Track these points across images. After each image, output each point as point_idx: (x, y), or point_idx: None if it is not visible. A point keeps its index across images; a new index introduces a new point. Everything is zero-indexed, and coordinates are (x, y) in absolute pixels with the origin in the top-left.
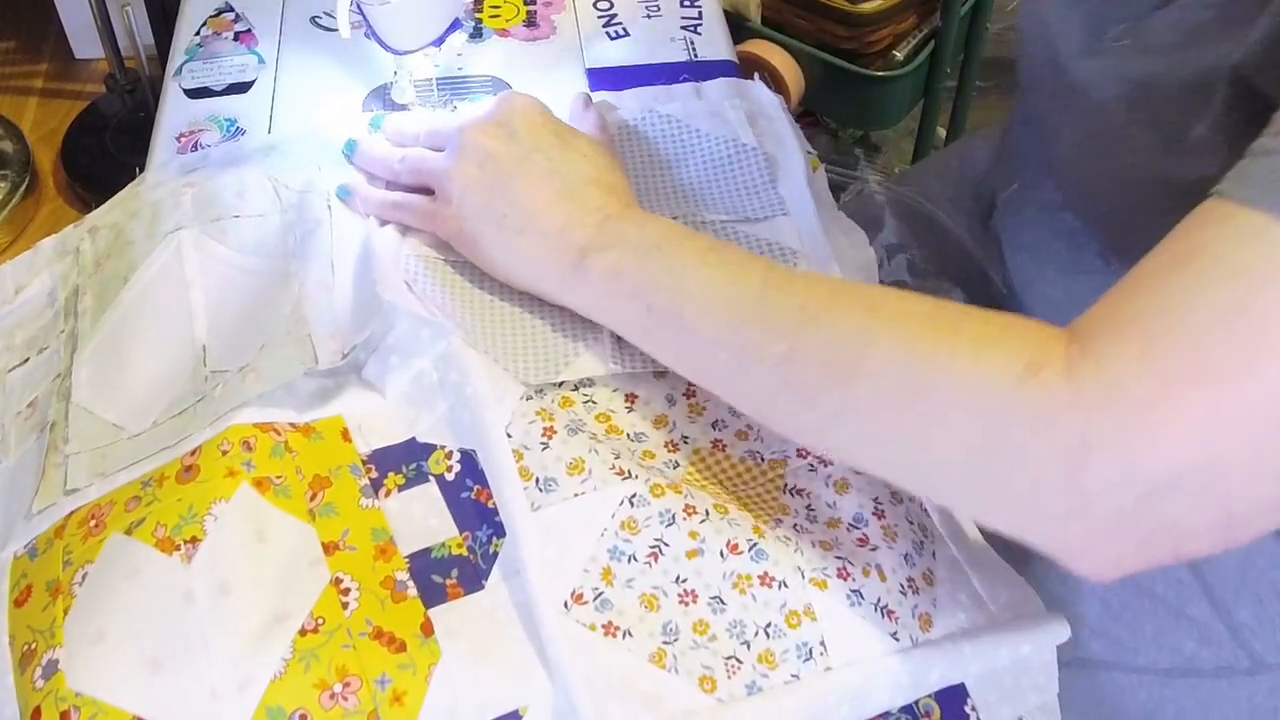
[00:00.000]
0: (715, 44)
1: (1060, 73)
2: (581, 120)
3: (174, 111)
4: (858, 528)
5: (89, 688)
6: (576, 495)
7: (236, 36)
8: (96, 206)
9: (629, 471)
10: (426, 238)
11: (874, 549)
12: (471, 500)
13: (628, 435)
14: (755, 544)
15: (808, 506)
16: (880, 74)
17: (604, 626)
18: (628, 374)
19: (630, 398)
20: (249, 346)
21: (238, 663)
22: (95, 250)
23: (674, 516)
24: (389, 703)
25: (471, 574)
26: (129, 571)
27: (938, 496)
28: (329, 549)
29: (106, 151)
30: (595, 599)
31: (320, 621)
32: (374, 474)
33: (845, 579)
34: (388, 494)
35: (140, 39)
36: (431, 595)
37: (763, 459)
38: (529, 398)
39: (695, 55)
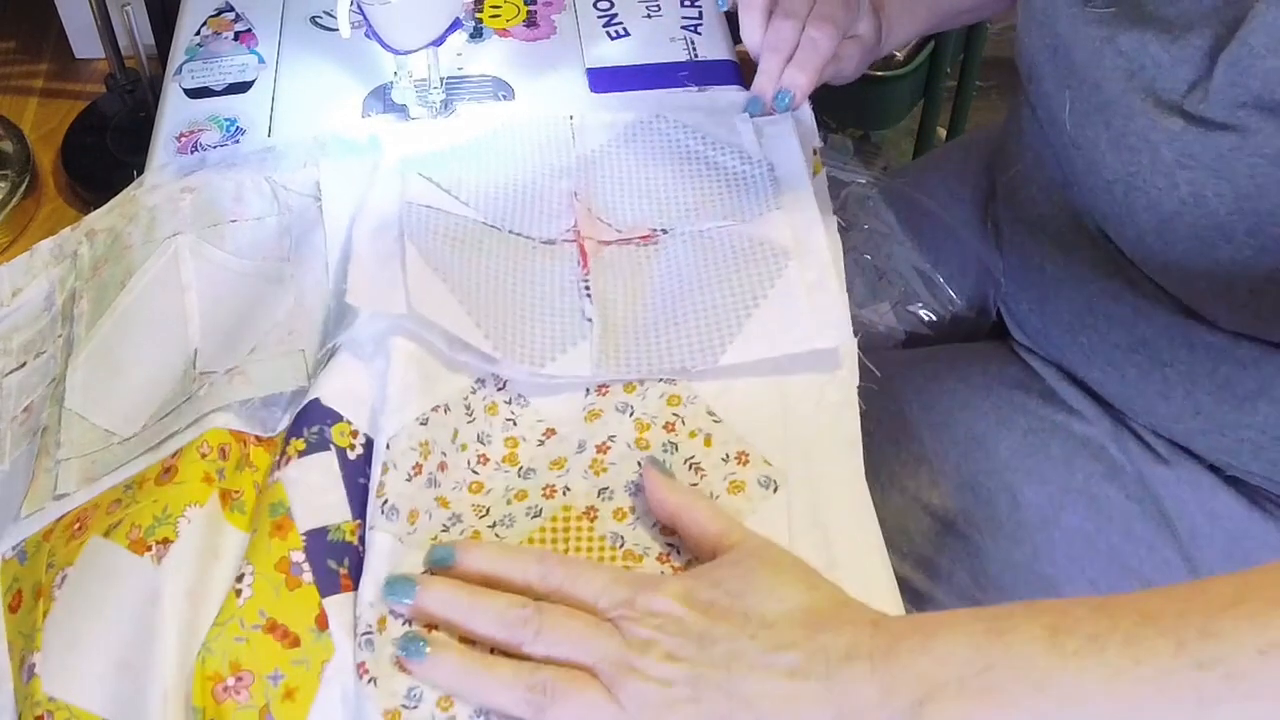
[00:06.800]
0: (715, 44)
1: (1059, 56)
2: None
3: (174, 111)
4: None
5: (61, 691)
6: (399, 539)
7: (236, 36)
8: (96, 206)
9: None
10: (430, 190)
11: None
12: (367, 488)
13: (519, 470)
14: None
15: None
16: (880, 74)
17: (359, 666)
18: (563, 409)
19: (550, 432)
20: (239, 347)
21: (184, 667)
22: (93, 254)
23: None
24: (280, 699)
25: (360, 567)
26: (103, 574)
27: None
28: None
29: (106, 151)
30: (363, 636)
31: (217, 612)
32: (283, 446)
33: None
34: (288, 461)
35: (140, 39)
36: (327, 583)
37: (622, 545)
38: (424, 422)
39: (696, 55)
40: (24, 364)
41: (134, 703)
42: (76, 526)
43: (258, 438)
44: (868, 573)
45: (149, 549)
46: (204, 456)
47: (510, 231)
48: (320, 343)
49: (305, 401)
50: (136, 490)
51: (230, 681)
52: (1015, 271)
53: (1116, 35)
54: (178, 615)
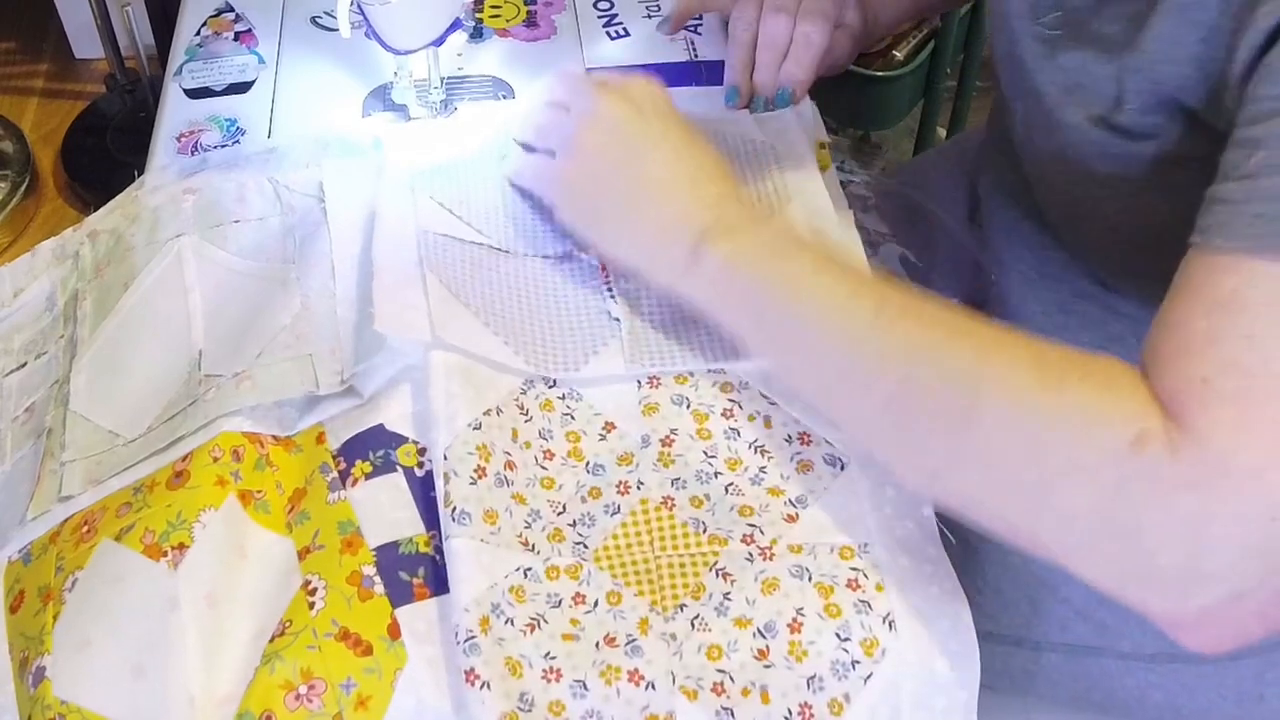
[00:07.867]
0: (715, 44)
1: (1014, 60)
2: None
3: (174, 111)
4: (764, 636)
5: (73, 695)
6: (482, 540)
7: (237, 36)
8: (96, 206)
9: (534, 545)
10: (444, 217)
11: (768, 666)
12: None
13: (586, 465)
14: (634, 640)
15: (725, 594)
16: (880, 74)
17: (466, 672)
18: (617, 401)
19: (609, 426)
20: (245, 350)
21: (217, 674)
22: (95, 255)
23: (560, 601)
24: (353, 707)
25: (438, 575)
26: (116, 578)
27: (1054, 558)
28: (303, 555)
29: (106, 151)
30: (465, 641)
31: (287, 624)
32: (342, 465)
33: (719, 694)
34: (354, 483)
35: (140, 39)
36: (399, 594)
37: (705, 530)
38: (477, 427)
39: (695, 55)
40: (24, 364)
41: (151, 707)
42: (85, 529)
43: (275, 437)
44: (933, 558)
45: (164, 554)
46: (216, 460)
47: (526, 254)
48: (328, 347)
49: (367, 427)
50: (147, 494)
51: (302, 689)
52: (1002, 277)
53: (1058, 53)
54: (198, 619)
